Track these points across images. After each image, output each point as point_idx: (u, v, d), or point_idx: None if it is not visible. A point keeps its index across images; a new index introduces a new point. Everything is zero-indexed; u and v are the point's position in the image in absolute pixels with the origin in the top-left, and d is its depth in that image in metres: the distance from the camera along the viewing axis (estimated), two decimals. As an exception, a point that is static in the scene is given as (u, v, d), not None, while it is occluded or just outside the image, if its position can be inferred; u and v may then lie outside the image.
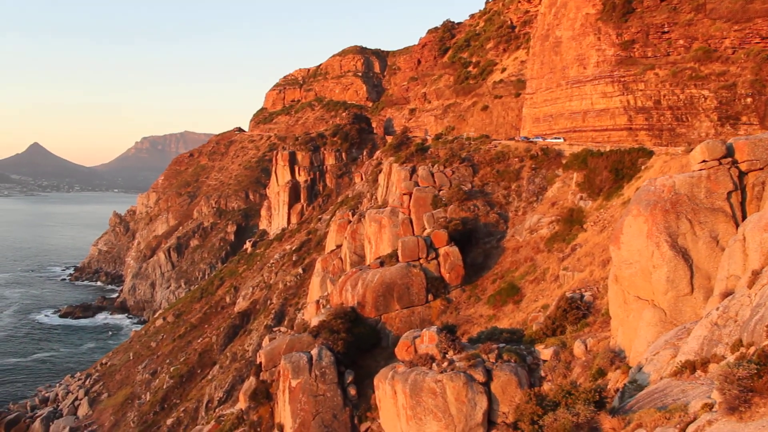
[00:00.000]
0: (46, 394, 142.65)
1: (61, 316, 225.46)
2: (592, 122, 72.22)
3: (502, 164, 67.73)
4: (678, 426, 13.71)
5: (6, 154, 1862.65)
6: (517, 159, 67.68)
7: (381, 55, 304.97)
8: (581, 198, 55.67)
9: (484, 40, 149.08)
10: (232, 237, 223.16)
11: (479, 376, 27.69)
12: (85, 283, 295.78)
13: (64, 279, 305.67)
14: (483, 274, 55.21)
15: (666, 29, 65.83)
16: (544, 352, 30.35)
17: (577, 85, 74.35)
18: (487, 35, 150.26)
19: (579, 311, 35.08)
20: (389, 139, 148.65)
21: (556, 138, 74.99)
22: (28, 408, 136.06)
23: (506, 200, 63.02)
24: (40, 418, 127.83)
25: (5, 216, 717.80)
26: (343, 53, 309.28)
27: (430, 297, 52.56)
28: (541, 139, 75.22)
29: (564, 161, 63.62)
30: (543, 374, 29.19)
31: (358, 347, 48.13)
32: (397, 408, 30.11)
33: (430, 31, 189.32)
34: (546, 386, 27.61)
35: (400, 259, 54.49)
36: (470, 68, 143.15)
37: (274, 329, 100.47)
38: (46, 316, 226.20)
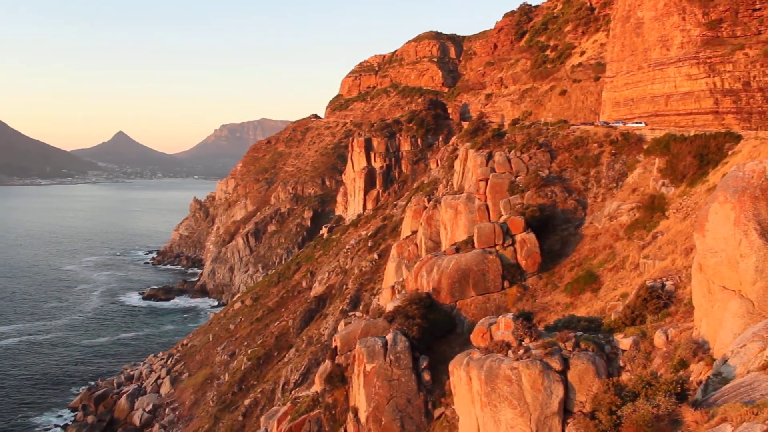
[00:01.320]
0: (131, 372, 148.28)
1: (144, 298, 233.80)
2: (676, 106, 69.97)
3: (580, 150, 66.32)
4: (767, 422, 13.20)
5: (93, 143, 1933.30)
6: (596, 144, 66.15)
7: (457, 40, 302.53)
8: (663, 184, 54.05)
9: (562, 23, 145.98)
10: (309, 222, 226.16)
11: (556, 364, 27.31)
12: (167, 266, 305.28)
13: (147, 262, 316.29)
14: (560, 261, 54.33)
15: (758, 6, 63.03)
16: (623, 341, 29.65)
17: (660, 67, 72.08)
18: (565, 18, 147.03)
19: (660, 301, 34.13)
20: (465, 124, 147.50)
21: (637, 123, 73.00)
22: (115, 385, 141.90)
23: (585, 186, 61.74)
24: (125, 394, 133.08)
25: (94, 202, 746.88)
26: (419, 39, 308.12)
27: (505, 284, 52.06)
28: (621, 124, 73.34)
29: (645, 146, 61.83)
30: (621, 364, 28.55)
31: (433, 333, 48.13)
32: (471, 394, 30.00)
33: (506, 15, 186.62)
34: (625, 376, 27.01)
35: (475, 245, 54.13)
36: (548, 52, 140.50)
37: (350, 314, 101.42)
38: (130, 298, 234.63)
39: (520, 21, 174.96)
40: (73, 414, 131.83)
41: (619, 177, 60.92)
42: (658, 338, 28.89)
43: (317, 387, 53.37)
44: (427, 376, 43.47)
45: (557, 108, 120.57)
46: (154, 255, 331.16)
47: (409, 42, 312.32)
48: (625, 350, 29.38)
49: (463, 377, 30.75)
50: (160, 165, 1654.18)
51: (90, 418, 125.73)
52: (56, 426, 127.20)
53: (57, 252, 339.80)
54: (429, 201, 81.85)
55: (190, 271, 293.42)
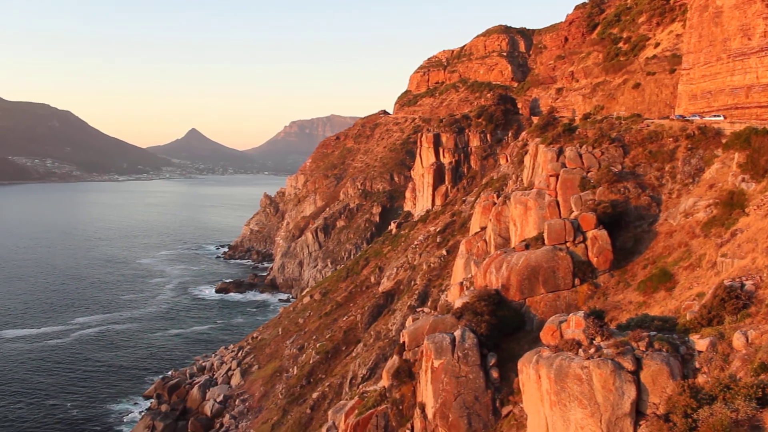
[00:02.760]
0: (203, 363, 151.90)
1: (216, 292, 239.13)
2: (757, 98, 67.31)
3: (655, 144, 64.50)
4: None
5: (167, 140, 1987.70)
6: (671, 139, 64.23)
7: (526, 33, 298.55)
8: (743, 180, 52.09)
9: (636, 14, 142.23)
10: (377, 218, 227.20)
11: (628, 364, 26.66)
12: (238, 261, 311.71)
13: (219, 257, 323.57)
14: (633, 259, 53.00)
15: None
16: (699, 342, 28.69)
17: (741, 58, 69.46)
18: (639, 8, 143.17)
19: (739, 301, 32.88)
20: (535, 119, 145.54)
21: (714, 116, 70.58)
22: (187, 375, 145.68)
23: (659, 182, 60.01)
24: (197, 384, 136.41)
25: (168, 197, 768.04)
26: (488, 33, 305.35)
27: (576, 281, 51.14)
28: (698, 117, 71.03)
29: (724, 141, 59.69)
30: (697, 366, 27.61)
31: (501, 330, 47.64)
32: (540, 393, 29.61)
33: (577, 7, 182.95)
34: (701, 378, 26.14)
35: (546, 242, 53.34)
36: (621, 44, 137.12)
37: (418, 309, 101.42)
38: (202, 291, 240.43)
39: (591, 13, 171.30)
40: (148, 402, 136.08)
41: (695, 172, 59.02)
42: (738, 340, 27.84)
43: (385, 382, 53.49)
44: (495, 374, 43.05)
45: (630, 102, 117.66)
46: (226, 249, 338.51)
47: (477, 36, 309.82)
48: (701, 352, 28.42)
49: (532, 375, 30.37)
50: (231, 161, 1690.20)
51: (164, 407, 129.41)
52: (133, 413, 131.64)
53: (133, 246, 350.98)
54: (498, 197, 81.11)
55: (260, 265, 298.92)
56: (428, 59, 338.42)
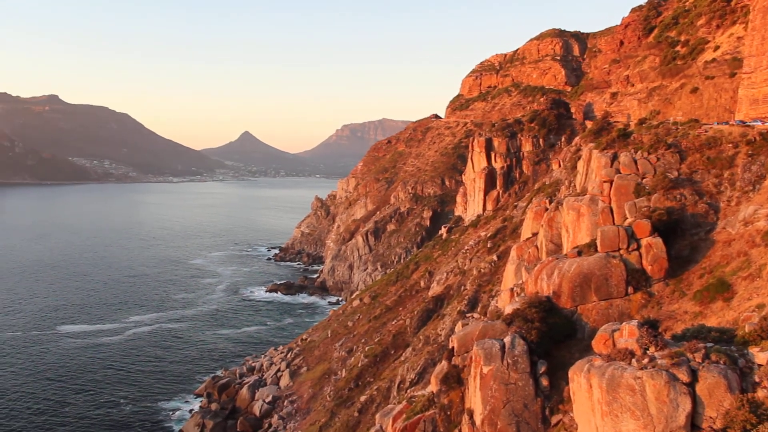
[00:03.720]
0: (253, 364, 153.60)
1: (266, 293, 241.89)
2: (821, 104, 65.24)
3: (713, 150, 62.91)
4: None
5: (221, 143, 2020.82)
6: (730, 145, 62.55)
7: (580, 37, 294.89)
8: (806, 187, 50.49)
9: (695, 17, 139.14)
10: (428, 222, 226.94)
11: (683, 375, 25.99)
12: (288, 263, 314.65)
13: (270, 258, 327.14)
14: (689, 267, 51.74)
15: None
16: (759, 355, 27.80)
17: (804, 62, 67.41)
18: (698, 11, 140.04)
19: (801, 312, 31.85)
20: (589, 124, 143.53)
21: (777, 121, 68.62)
22: (237, 375, 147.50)
23: (717, 189, 58.49)
24: (247, 385, 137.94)
25: (221, 199, 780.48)
26: (541, 37, 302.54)
27: (630, 289, 50.16)
28: (759, 123, 69.12)
29: (786, 147, 57.93)
30: (757, 380, 26.75)
31: (552, 337, 47.00)
32: (591, 402, 29.09)
33: (633, 10, 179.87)
34: (761, 393, 25.32)
35: (598, 249, 52.47)
36: (678, 48, 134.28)
37: (467, 315, 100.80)
38: (253, 292, 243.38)
39: (648, 16, 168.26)
40: (198, 400, 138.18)
41: (756, 179, 57.38)
42: (799, 353, 26.93)
43: (433, 387, 53.26)
44: (545, 382, 42.48)
45: (688, 107, 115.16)
46: (277, 251, 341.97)
47: (531, 40, 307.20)
48: (761, 365, 27.54)
49: (583, 384, 29.87)
50: (283, 164, 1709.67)
51: (214, 406, 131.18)
52: (183, 410, 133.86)
53: (186, 246, 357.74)
54: (550, 202, 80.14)
55: (310, 267, 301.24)
56: (481, 63, 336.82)
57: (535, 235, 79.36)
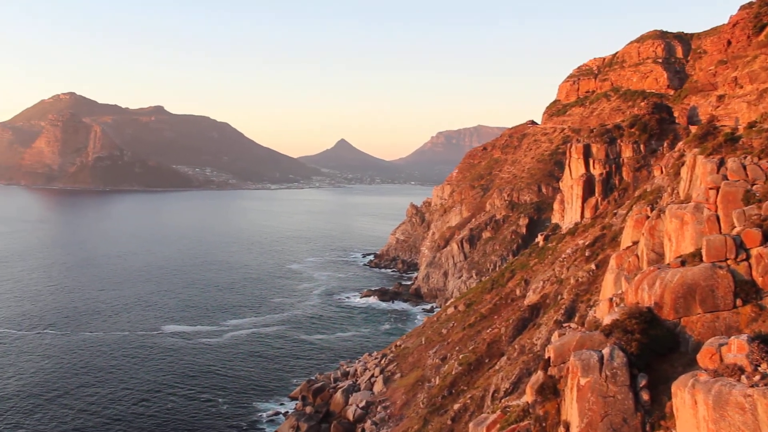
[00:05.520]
0: (347, 369, 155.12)
1: (361, 299, 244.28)
2: None
3: (831, 155, 59.43)
4: None
5: (318, 150, 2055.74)
6: None
7: (684, 38, 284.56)
8: None
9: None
10: (524, 230, 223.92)
11: (798, 395, 24.49)
12: (383, 269, 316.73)
13: (365, 265, 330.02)
14: (804, 279, 48.93)
15: None
16: None
17: None
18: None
19: None
20: (693, 129, 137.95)
21: None
22: (332, 379, 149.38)
23: (835, 197, 55.20)
24: (341, 389, 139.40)
25: (317, 205, 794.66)
26: (641, 39, 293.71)
27: (738, 302, 47.72)
28: None
29: None
30: None
31: (653, 350, 45.21)
32: (696, 420, 27.81)
33: (743, 8, 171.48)
34: None
35: (704, 258, 50.25)
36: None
37: (564, 325, 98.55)
38: (348, 298, 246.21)
39: (759, 13, 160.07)
40: (293, 403, 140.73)
41: None
42: None
43: (528, 397, 52.24)
44: (645, 396, 40.90)
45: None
46: (372, 257, 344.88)
47: (631, 43, 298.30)
48: None
49: (687, 400, 28.63)
50: (378, 171, 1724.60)
51: (308, 409, 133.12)
52: (278, 413, 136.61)
53: (283, 251, 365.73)
54: (652, 210, 77.57)
55: (405, 274, 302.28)
56: (578, 68, 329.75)
57: (635, 243, 76.96)
